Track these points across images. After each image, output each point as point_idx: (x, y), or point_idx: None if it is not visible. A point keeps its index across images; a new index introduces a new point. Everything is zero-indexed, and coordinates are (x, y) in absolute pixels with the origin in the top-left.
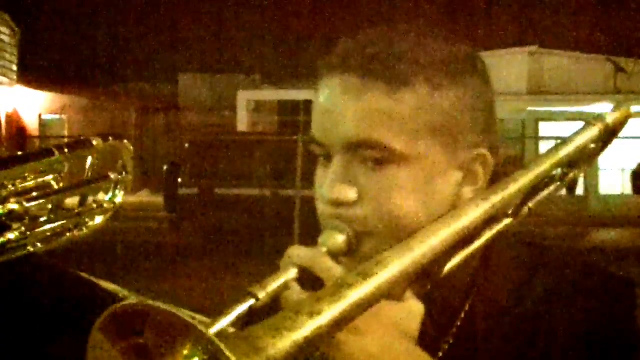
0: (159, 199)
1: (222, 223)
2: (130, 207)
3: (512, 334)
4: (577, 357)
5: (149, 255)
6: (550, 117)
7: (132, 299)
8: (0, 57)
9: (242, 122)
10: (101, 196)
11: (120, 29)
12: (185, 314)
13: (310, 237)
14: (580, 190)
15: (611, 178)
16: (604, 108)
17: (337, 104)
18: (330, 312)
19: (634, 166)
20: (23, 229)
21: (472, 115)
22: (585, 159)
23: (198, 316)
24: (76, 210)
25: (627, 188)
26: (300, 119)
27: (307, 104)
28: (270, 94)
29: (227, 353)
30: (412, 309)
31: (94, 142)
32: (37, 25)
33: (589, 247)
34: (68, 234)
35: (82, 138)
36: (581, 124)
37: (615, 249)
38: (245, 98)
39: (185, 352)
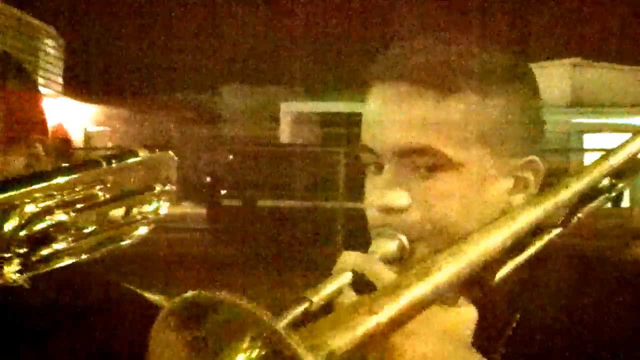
0: (201, 211)
1: (265, 235)
2: (173, 219)
3: (561, 347)
4: None
5: (191, 267)
6: (595, 129)
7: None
8: (45, 69)
9: (285, 134)
10: (145, 207)
11: (164, 40)
12: (250, 306)
13: (354, 249)
14: (625, 203)
15: None
16: None
17: (388, 112)
18: (387, 311)
19: None
20: (69, 239)
21: (521, 122)
22: (634, 169)
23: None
24: (121, 221)
25: None
26: (342, 131)
27: (350, 117)
28: (313, 106)
29: (294, 345)
30: (466, 315)
31: (140, 153)
32: (81, 37)
33: (631, 261)
34: (112, 245)
35: (127, 149)
36: (627, 135)
37: None
38: (288, 110)
39: (244, 345)
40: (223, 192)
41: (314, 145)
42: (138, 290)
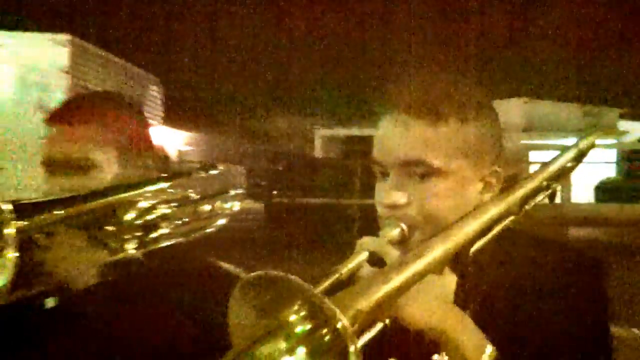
0: (260, 206)
1: (304, 224)
2: (241, 212)
3: (512, 301)
4: (558, 321)
5: (253, 247)
6: (538, 148)
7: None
8: (150, 105)
9: (318, 151)
10: (223, 204)
11: (233, 81)
12: (297, 279)
13: (368, 235)
14: (557, 199)
15: (580, 191)
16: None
17: (393, 134)
18: (396, 281)
19: (596, 182)
20: (170, 226)
21: (490, 141)
22: (563, 175)
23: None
24: (207, 214)
25: (591, 198)
26: (360, 148)
27: (365, 138)
28: (339, 131)
29: (331, 306)
30: (449, 281)
31: (219, 167)
32: (175, 81)
33: (565, 241)
34: (200, 230)
35: (210, 164)
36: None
37: (586, 241)
38: (320, 134)
39: (295, 307)
40: (274, 192)
41: (338, 159)
42: (223, 265)
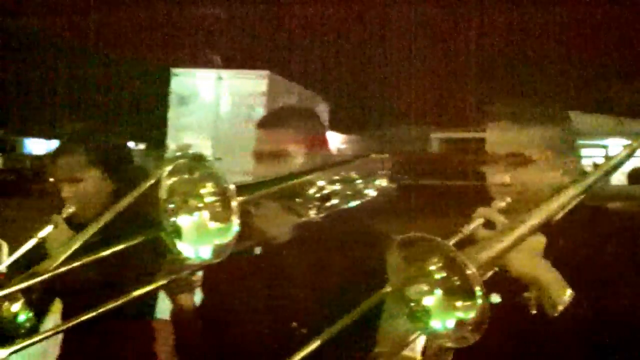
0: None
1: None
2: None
3: (582, 253)
4: None
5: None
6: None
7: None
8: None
9: (434, 149)
10: (374, 182)
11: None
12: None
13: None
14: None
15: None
16: None
17: (501, 134)
18: (507, 240)
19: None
20: (339, 198)
21: (567, 139)
22: (619, 167)
23: None
24: (363, 189)
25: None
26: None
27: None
28: (451, 134)
29: (463, 257)
30: (540, 240)
31: (372, 155)
32: (337, 99)
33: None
34: (359, 200)
35: (362, 155)
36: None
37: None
38: (436, 136)
39: (434, 259)
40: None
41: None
42: (374, 225)
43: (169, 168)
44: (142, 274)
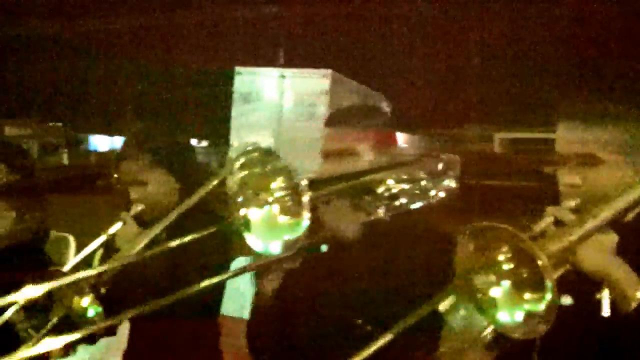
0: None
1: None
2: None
3: None
4: None
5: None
6: None
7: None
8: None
9: (496, 149)
10: (440, 183)
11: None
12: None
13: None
14: None
15: None
16: None
17: (571, 136)
18: (576, 234)
19: None
20: (406, 197)
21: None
22: None
23: None
24: (431, 189)
25: None
26: (527, 148)
27: (534, 140)
28: (514, 134)
29: (533, 247)
30: (612, 237)
31: (442, 156)
32: (400, 98)
33: None
34: (425, 200)
35: (431, 154)
36: None
37: None
38: (500, 137)
39: (504, 249)
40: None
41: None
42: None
43: (240, 161)
44: (206, 270)
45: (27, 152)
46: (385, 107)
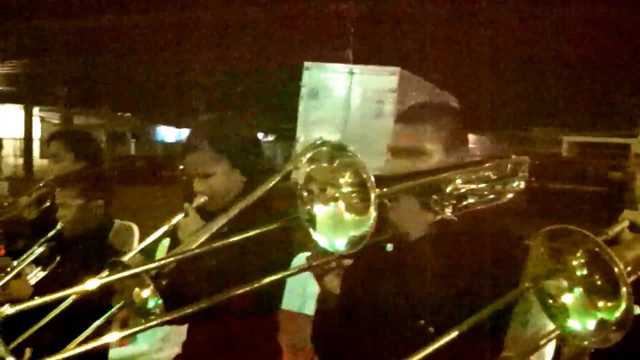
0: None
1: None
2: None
3: None
4: None
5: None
6: None
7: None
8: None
9: (564, 152)
10: (510, 184)
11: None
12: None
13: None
14: None
15: None
16: None
17: None
18: None
19: None
20: (473, 199)
21: None
22: None
23: None
24: (500, 190)
25: None
26: (595, 152)
27: (601, 144)
28: (582, 138)
29: (612, 254)
30: None
31: (513, 157)
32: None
33: None
34: (495, 201)
35: (503, 156)
36: None
37: None
38: (567, 140)
39: (578, 254)
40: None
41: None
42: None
43: (308, 155)
44: (269, 266)
45: (95, 141)
46: (454, 104)
